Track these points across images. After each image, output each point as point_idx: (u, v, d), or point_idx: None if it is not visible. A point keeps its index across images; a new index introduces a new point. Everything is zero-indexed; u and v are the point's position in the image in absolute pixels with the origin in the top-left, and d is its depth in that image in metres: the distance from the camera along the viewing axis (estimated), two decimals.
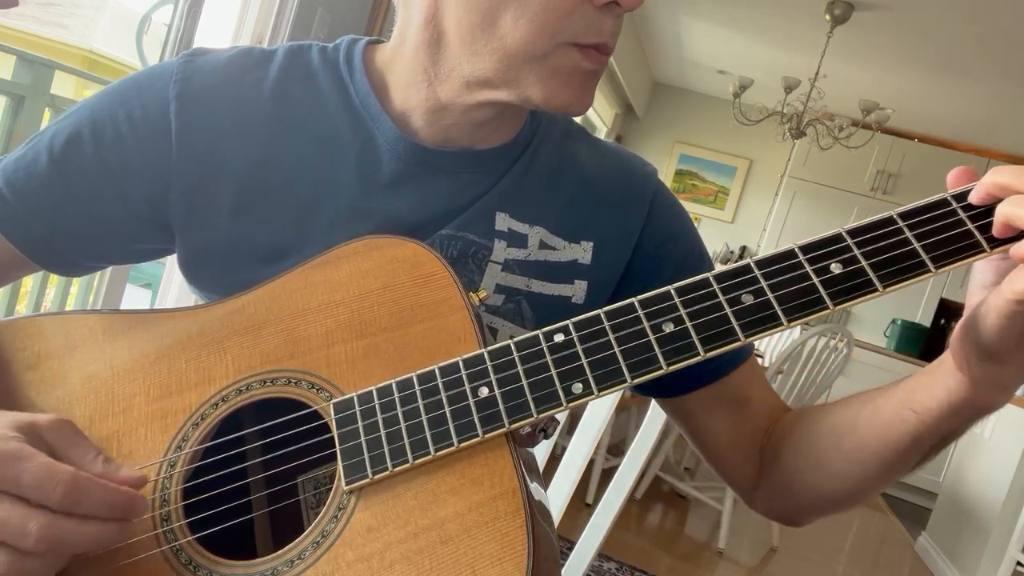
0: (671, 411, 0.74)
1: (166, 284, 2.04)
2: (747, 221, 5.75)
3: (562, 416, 0.77)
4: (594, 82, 0.59)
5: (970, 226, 0.44)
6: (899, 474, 0.57)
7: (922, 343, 5.09)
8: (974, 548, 3.11)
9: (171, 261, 1.95)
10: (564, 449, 1.07)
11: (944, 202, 0.45)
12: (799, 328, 3.88)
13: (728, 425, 0.69)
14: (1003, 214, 0.43)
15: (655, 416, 1.02)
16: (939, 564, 3.40)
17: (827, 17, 3.50)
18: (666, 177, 5.84)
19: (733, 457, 0.70)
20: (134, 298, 2.82)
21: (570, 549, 1.02)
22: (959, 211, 0.45)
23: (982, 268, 0.47)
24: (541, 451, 1.06)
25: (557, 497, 1.03)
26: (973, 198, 0.45)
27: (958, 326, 0.48)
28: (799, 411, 0.68)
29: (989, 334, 0.45)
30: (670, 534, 3.03)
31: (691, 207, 5.84)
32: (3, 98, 1.59)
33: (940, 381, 0.50)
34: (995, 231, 0.44)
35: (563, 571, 1.00)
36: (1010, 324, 0.43)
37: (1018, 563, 2.83)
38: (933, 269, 0.44)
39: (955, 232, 0.44)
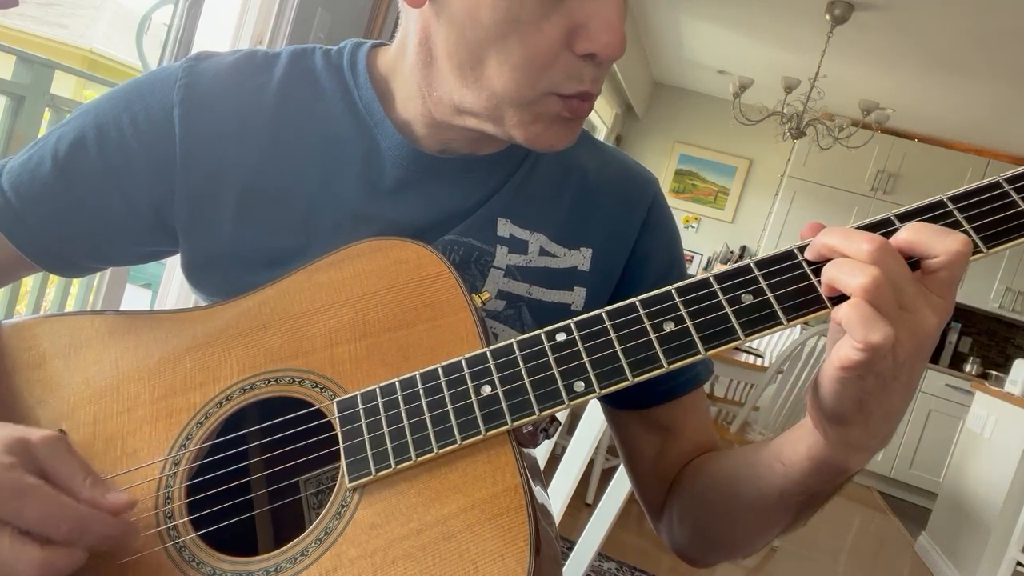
0: (609, 418, 0.77)
1: (166, 284, 2.04)
2: (747, 221, 5.76)
3: (563, 416, 0.78)
4: (579, 124, 0.59)
5: (967, 227, 0.45)
6: (770, 528, 0.58)
7: None
8: (974, 548, 3.11)
9: (171, 261, 1.95)
10: (564, 449, 1.08)
11: (941, 203, 0.46)
12: (799, 328, 3.88)
13: (654, 448, 0.71)
14: (826, 276, 0.44)
15: None
16: (939, 564, 3.40)
17: (827, 17, 3.50)
18: (666, 177, 5.84)
19: (649, 479, 0.72)
20: (134, 298, 2.83)
21: (570, 549, 1.02)
22: (955, 212, 0.45)
23: (833, 328, 0.47)
24: (541, 451, 1.07)
25: (557, 497, 1.03)
26: (808, 254, 0.46)
27: (808, 386, 0.49)
28: (713, 452, 0.70)
29: (827, 398, 0.46)
30: None
31: (691, 207, 5.84)
32: (3, 98, 1.59)
33: (803, 437, 0.51)
34: (823, 291, 0.45)
35: (563, 571, 1.00)
36: (842, 389, 0.44)
37: (1018, 563, 2.83)
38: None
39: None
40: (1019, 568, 2.84)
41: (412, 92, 0.63)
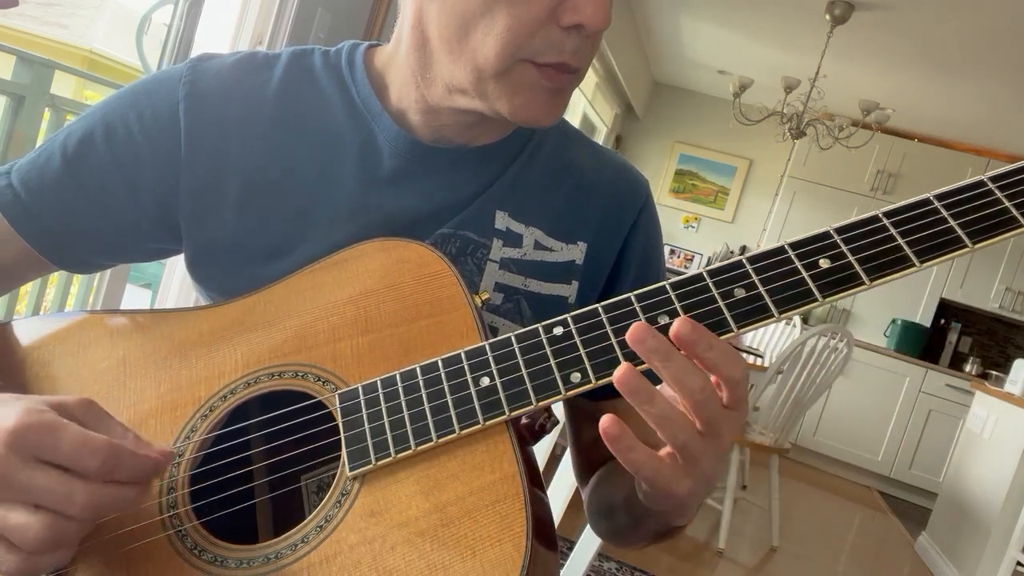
0: (564, 402, 0.80)
1: (166, 284, 2.05)
2: (747, 221, 5.77)
3: (563, 415, 0.79)
4: (561, 98, 0.60)
5: (952, 223, 0.46)
6: (626, 536, 0.67)
7: (922, 343, 5.10)
8: (974, 548, 3.12)
9: (171, 261, 1.95)
10: (564, 449, 1.08)
11: (927, 201, 0.47)
12: (799, 328, 3.89)
13: (589, 436, 0.76)
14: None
15: None
16: (939, 564, 3.41)
17: (827, 17, 3.51)
18: (666, 177, 5.85)
19: (579, 458, 0.79)
20: (134, 298, 2.83)
21: (570, 549, 1.02)
22: (941, 209, 0.46)
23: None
24: (541, 451, 1.07)
25: (557, 497, 1.03)
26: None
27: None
28: (612, 469, 0.74)
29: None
30: None
31: (691, 207, 5.85)
32: (3, 98, 1.59)
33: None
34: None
35: (563, 571, 1.01)
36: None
37: (1018, 563, 2.84)
38: (918, 263, 0.45)
39: (937, 229, 0.46)
40: (1019, 568, 2.84)
41: (407, 79, 0.65)
